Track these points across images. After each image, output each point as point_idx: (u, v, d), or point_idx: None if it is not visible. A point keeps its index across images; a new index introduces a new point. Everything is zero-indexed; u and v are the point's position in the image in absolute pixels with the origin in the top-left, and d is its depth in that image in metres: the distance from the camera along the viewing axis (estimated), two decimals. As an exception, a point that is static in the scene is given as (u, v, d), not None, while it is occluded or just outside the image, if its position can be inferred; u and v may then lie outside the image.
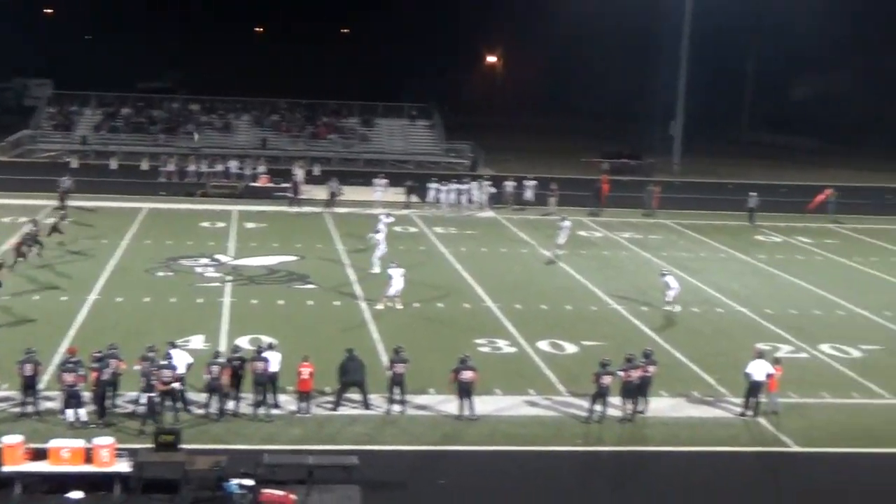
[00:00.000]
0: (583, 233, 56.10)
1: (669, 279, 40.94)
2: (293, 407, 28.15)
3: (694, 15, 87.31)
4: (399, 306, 39.22)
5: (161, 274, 43.62)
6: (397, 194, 64.03)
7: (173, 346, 28.53)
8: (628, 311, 40.52)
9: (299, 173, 65.18)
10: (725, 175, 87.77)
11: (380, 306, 39.17)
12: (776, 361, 30.34)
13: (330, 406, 28.47)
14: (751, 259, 52.21)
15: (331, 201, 61.26)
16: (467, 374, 28.13)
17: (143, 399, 26.76)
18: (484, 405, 28.70)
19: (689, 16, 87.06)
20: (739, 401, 29.85)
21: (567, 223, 51.48)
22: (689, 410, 30.03)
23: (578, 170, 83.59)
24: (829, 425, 29.40)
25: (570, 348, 35.28)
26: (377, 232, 46.58)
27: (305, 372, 27.94)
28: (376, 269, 44.03)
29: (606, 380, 28.38)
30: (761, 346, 32.88)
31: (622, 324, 38.97)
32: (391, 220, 51.70)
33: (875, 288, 47.06)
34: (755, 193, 64.64)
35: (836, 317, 41.53)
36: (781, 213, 65.98)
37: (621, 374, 28.69)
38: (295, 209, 60.72)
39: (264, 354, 27.96)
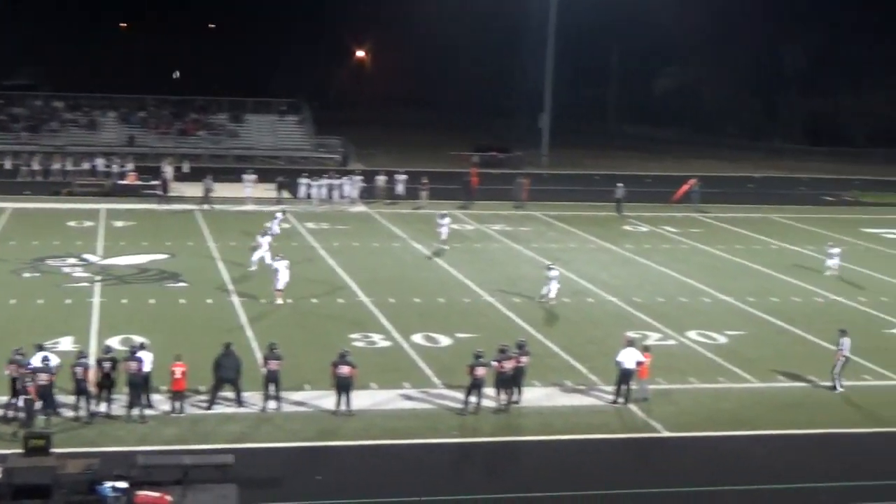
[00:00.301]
0: (454, 226, 56.35)
1: (555, 273, 41.25)
2: (167, 407, 27.85)
3: (559, 9, 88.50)
4: (279, 301, 39.13)
5: (27, 275, 42.72)
6: (268, 190, 63.68)
7: (41, 348, 27.96)
8: (501, 303, 40.93)
9: (168, 170, 64.45)
10: (593, 166, 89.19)
11: (279, 301, 38.99)
12: (645, 349, 30.99)
13: (205, 405, 28.25)
14: (619, 249, 53.14)
15: (205, 198, 60.64)
16: (344, 370, 28.14)
17: (20, 402, 26.22)
18: (360, 400, 28.74)
19: (555, 10, 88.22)
20: (611, 388, 30.42)
21: (447, 219, 51.92)
22: (562, 399, 30.48)
23: (448, 163, 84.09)
24: (696, 410, 30.13)
25: (444, 341, 35.53)
26: (266, 234, 46.22)
27: (178, 371, 27.66)
28: (259, 267, 43.80)
29: (480, 371, 28.65)
30: (631, 334, 33.48)
31: (495, 315, 39.36)
32: (283, 216, 51.75)
33: (739, 275, 48.28)
34: (622, 184, 65.88)
35: (702, 304, 42.53)
36: (647, 203, 67.33)
37: (495, 364, 28.98)
38: (164, 207, 59.99)
39: (138, 354, 27.61)
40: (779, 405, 30.78)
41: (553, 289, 40.85)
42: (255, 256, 44.41)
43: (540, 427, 28.31)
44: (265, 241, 45.12)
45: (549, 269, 41.72)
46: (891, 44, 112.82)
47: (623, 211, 63.75)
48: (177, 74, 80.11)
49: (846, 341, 31.94)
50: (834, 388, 31.90)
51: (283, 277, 39.31)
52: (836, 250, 48.74)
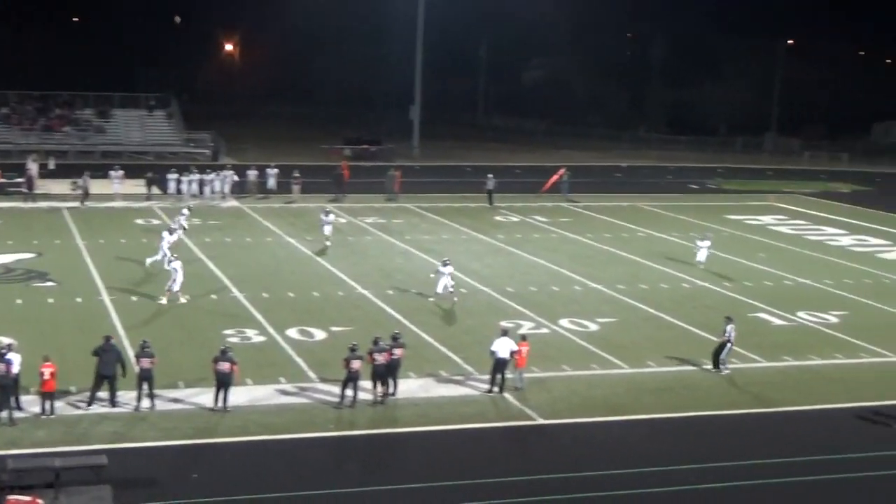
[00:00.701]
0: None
1: (449, 269, 41.17)
2: (37, 409, 27.34)
3: (427, 1, 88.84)
4: (184, 300, 38.80)
5: None
6: (137, 186, 62.72)
7: None
8: (375, 296, 41.02)
9: (33, 167, 63.05)
10: (463, 158, 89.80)
11: (162, 302, 38.50)
12: (523, 338, 31.32)
13: (77, 405, 27.74)
14: (491, 239, 53.64)
15: (85, 195, 59.31)
16: (224, 366, 27.92)
17: None
18: (236, 396, 28.55)
19: (423, 2, 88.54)
20: (486, 378, 30.75)
21: (331, 216, 51.73)
22: (437, 390, 30.71)
23: (320, 157, 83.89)
24: (570, 397, 30.62)
25: (319, 335, 35.51)
26: (173, 232, 45.45)
27: (47, 372, 27.09)
28: (152, 264, 43.34)
29: (356, 364, 28.71)
30: (505, 323, 33.91)
31: (369, 308, 39.44)
32: (189, 213, 51.14)
33: (609, 263, 49.12)
34: (492, 175, 66.44)
35: (574, 292, 43.17)
36: (518, 194, 68.07)
37: (369, 357, 29.07)
38: (30, 205, 58.73)
39: (7, 356, 27.01)
40: (650, 390, 31.45)
41: (443, 284, 40.59)
42: (167, 253, 43.31)
43: (416, 418, 28.51)
44: (173, 238, 44.46)
45: (444, 264, 41.40)
46: (748, 34, 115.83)
47: (494, 202, 64.33)
48: (178, 19, 77.52)
49: (731, 328, 32.93)
50: (719, 370, 32.92)
51: (179, 277, 38.89)
52: (705, 242, 49.30)
